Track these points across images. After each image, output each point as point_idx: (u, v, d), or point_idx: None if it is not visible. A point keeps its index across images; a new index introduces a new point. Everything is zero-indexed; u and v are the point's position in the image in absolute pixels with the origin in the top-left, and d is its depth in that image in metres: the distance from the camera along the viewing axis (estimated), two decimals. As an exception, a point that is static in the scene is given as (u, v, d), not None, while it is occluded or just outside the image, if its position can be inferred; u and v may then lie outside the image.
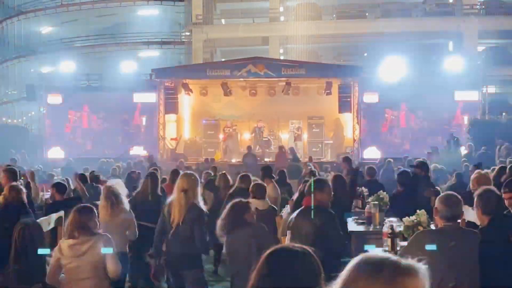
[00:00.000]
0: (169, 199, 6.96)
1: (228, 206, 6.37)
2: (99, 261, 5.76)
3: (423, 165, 10.34)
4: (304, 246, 2.41)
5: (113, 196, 7.47)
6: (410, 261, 2.02)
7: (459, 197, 5.40)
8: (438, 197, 5.36)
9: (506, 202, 5.77)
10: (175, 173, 11.37)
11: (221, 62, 31.13)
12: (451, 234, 5.14)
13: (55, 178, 16.78)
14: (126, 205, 7.66)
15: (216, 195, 11.08)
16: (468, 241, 5.13)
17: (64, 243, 5.77)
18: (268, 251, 2.38)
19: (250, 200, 8.03)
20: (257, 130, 25.30)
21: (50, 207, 8.74)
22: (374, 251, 6.00)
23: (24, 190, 7.55)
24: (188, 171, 7.37)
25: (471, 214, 6.33)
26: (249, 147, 22.81)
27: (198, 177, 7.01)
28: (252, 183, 9.03)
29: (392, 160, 18.79)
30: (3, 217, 6.90)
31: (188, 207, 6.64)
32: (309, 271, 2.33)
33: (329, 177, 11.15)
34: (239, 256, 6.01)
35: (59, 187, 9.02)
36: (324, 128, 25.68)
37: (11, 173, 8.95)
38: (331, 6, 36.31)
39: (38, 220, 6.97)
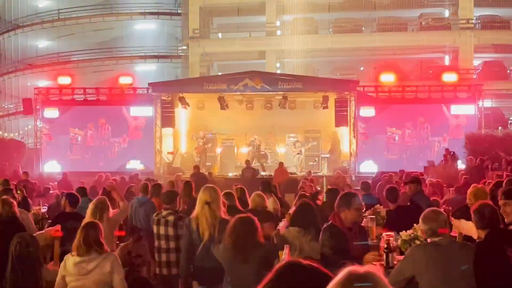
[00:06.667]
0: (193, 213, 6.85)
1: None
2: (105, 281, 5.74)
3: (417, 180, 10.34)
4: (311, 262, 2.39)
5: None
6: None
7: (438, 211, 5.50)
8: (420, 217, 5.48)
9: (500, 209, 5.77)
10: (157, 187, 11.38)
11: (217, 76, 31.20)
12: (446, 248, 5.15)
13: (51, 191, 16.77)
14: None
15: None
16: (463, 254, 5.14)
17: (70, 260, 5.75)
18: (278, 266, 2.36)
19: None
20: (253, 144, 25.27)
21: (57, 218, 8.71)
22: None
23: (15, 203, 7.51)
24: (209, 185, 7.33)
25: (469, 228, 6.34)
26: (247, 161, 22.78)
27: (219, 190, 7.00)
28: None
29: (393, 174, 18.77)
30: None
31: (218, 220, 6.56)
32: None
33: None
34: None
35: (71, 199, 8.96)
36: (321, 142, 25.69)
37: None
38: (327, 21, 36.46)
39: (34, 234, 6.94)
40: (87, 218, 7.43)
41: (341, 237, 5.87)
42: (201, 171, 21.22)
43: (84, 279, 5.67)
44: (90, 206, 7.76)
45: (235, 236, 5.73)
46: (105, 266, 5.73)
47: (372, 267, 2.28)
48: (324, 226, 6.17)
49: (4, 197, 7.70)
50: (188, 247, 6.86)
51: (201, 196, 6.79)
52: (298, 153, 25.30)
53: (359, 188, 13.01)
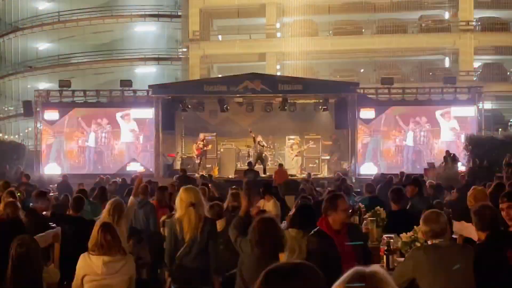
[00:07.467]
0: (176, 215, 6.84)
1: None
2: (130, 279, 5.86)
3: (416, 182, 10.34)
4: (305, 262, 2.38)
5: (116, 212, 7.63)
6: None
7: (439, 212, 5.47)
8: (421, 219, 5.45)
9: (503, 212, 5.76)
10: (162, 190, 11.38)
11: (218, 78, 31.23)
12: (446, 249, 5.14)
13: (51, 194, 16.76)
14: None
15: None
16: (463, 256, 5.13)
17: (96, 259, 5.76)
18: (268, 269, 2.35)
19: None
20: (258, 146, 25.17)
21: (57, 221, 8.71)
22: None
23: (19, 206, 7.51)
24: (189, 185, 7.33)
25: (470, 230, 6.33)
26: (249, 163, 22.75)
27: (200, 191, 7.02)
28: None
29: (393, 176, 18.73)
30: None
31: (203, 220, 6.56)
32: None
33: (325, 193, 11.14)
34: None
35: (76, 203, 8.95)
36: (321, 144, 25.68)
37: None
38: (327, 23, 36.46)
39: (35, 237, 6.94)
40: (104, 218, 7.45)
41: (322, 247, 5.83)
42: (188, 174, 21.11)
43: (111, 278, 5.72)
44: (107, 206, 7.79)
45: (259, 235, 5.74)
46: (131, 266, 5.88)
47: (378, 267, 2.29)
48: (311, 233, 6.14)
49: (10, 199, 7.71)
50: (171, 248, 6.77)
51: (184, 197, 6.67)
52: (296, 155, 25.30)
53: (359, 190, 13.04)
